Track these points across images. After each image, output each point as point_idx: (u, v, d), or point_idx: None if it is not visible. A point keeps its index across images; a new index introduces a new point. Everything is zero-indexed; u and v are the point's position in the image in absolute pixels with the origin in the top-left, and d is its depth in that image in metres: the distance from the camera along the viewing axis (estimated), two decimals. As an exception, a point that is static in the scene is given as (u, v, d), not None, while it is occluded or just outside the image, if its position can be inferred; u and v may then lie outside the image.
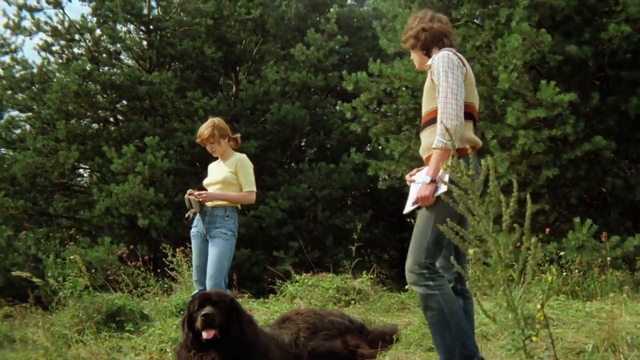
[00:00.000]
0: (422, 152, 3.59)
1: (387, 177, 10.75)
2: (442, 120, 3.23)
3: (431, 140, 3.37)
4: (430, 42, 3.56)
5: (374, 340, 4.79)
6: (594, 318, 4.89)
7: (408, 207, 3.47)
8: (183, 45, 15.50)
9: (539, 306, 2.19)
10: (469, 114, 3.39)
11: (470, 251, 2.24)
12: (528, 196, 2.31)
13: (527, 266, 2.19)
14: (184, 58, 16.18)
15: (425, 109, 3.49)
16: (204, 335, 3.82)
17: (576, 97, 7.93)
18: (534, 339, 2.15)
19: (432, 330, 3.37)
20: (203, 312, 3.83)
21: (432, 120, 3.43)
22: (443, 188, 3.16)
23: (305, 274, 7.77)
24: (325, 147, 17.16)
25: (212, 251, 5.10)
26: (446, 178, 3.14)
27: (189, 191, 5.27)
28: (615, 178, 8.83)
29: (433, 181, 3.27)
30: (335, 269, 8.96)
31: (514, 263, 2.26)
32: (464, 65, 3.37)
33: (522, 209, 2.31)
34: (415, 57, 3.69)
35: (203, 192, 5.24)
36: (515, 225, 2.24)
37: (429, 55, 3.56)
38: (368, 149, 17.22)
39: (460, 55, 3.42)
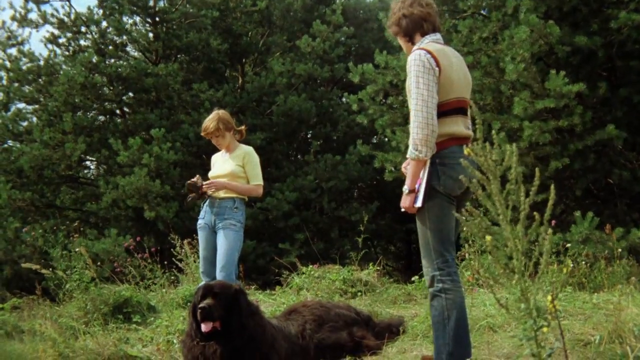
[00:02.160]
0: None
1: (393, 169, 10.72)
2: (412, 131, 3.25)
3: None
4: (411, 29, 3.50)
5: (381, 332, 4.81)
6: (601, 310, 4.88)
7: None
8: (189, 37, 15.50)
9: (550, 298, 2.18)
10: (457, 109, 3.38)
11: (488, 238, 2.23)
12: (552, 187, 2.30)
13: (543, 257, 2.17)
14: (190, 50, 16.18)
15: (410, 106, 3.47)
16: (203, 328, 3.86)
17: (584, 87, 7.87)
18: (545, 330, 2.15)
19: (432, 328, 3.42)
20: (200, 305, 3.87)
21: None
22: (421, 199, 3.26)
23: (311, 266, 7.77)
24: (331, 139, 17.16)
25: (222, 243, 5.09)
26: (422, 188, 3.24)
27: (196, 177, 5.26)
28: (623, 169, 8.78)
29: (412, 191, 3.31)
30: (342, 260, 8.96)
31: (530, 253, 2.25)
32: (437, 65, 3.30)
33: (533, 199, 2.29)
34: (401, 43, 3.65)
35: (213, 181, 5.22)
36: (535, 214, 2.22)
37: (412, 42, 3.52)
38: (374, 141, 17.19)
39: (435, 50, 3.35)
